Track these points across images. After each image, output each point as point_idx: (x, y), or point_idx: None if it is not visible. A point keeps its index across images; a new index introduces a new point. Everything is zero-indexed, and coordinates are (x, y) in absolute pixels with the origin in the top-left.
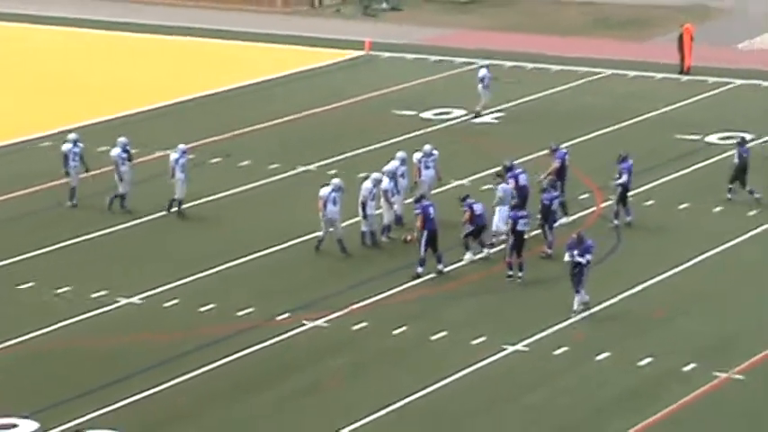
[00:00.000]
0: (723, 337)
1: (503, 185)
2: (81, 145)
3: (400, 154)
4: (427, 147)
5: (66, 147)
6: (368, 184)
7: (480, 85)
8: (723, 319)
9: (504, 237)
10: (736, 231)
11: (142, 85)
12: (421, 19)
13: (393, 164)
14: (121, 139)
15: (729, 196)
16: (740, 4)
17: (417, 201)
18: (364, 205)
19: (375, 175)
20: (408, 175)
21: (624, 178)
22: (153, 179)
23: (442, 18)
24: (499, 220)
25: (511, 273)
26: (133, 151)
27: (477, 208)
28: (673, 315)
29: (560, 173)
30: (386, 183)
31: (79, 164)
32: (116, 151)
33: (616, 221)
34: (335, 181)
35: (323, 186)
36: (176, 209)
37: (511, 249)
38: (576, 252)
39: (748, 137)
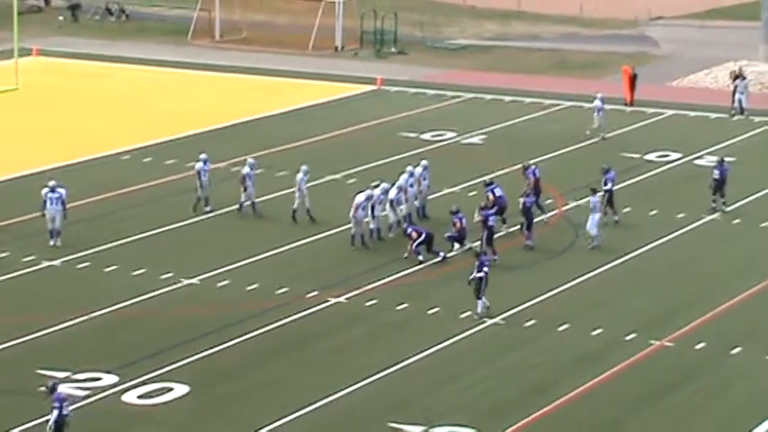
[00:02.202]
0: (658, 314)
1: (592, 198)
2: (209, 164)
3: (409, 168)
4: (425, 162)
5: (198, 165)
6: (377, 192)
7: (595, 113)
8: (659, 299)
9: (590, 240)
10: (669, 229)
11: (203, 112)
12: (421, 61)
13: (403, 177)
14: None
15: (714, 206)
16: (674, 50)
17: (406, 226)
18: (373, 208)
19: (384, 185)
20: (415, 184)
21: (609, 186)
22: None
23: (437, 60)
24: (590, 224)
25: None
26: (190, 164)
27: (464, 222)
28: (619, 295)
29: (535, 184)
30: (393, 193)
31: (208, 179)
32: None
33: (615, 218)
34: (368, 192)
35: (358, 193)
36: (293, 216)
37: (485, 241)
38: (477, 265)
39: (726, 158)
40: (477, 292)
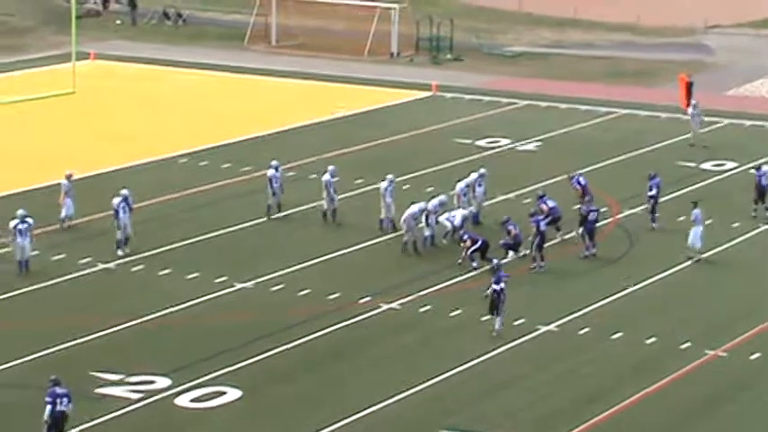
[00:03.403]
0: (713, 323)
1: (695, 210)
2: (281, 171)
3: (466, 180)
4: (483, 170)
5: (270, 172)
6: (434, 202)
7: (691, 120)
8: (714, 308)
9: (695, 254)
10: (725, 238)
11: (259, 116)
12: (477, 68)
13: (459, 186)
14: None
15: (754, 214)
16: (729, 59)
17: (462, 233)
18: (428, 217)
19: (442, 197)
20: (469, 192)
21: (654, 191)
22: (260, 192)
23: (493, 67)
24: (693, 237)
25: (534, 265)
26: (245, 168)
27: (518, 229)
28: (674, 304)
29: (584, 192)
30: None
31: (280, 186)
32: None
33: (654, 225)
34: (422, 204)
35: (412, 204)
36: (385, 225)
37: (537, 247)
38: (493, 281)
39: (765, 166)
40: (493, 308)
